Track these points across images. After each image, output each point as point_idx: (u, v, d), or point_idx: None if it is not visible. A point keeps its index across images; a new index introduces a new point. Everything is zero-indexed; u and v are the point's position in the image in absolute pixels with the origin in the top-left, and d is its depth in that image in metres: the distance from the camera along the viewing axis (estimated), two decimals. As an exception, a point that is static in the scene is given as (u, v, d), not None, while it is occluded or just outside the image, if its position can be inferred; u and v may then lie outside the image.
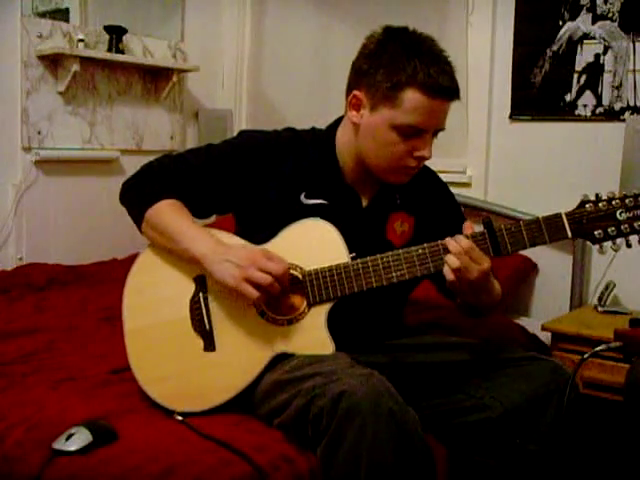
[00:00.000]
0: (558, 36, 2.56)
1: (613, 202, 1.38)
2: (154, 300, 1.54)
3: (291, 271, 1.46)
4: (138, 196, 1.56)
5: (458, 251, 1.37)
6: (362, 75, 1.48)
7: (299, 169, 1.55)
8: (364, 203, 1.58)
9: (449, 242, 1.39)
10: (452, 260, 1.37)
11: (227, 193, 1.56)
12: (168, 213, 1.50)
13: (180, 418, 1.43)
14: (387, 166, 1.49)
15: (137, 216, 1.55)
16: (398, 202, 1.59)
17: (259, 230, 1.51)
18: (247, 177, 1.54)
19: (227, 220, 1.65)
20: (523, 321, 2.49)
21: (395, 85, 1.42)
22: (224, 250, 1.42)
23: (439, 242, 1.41)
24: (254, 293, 1.38)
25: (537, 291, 2.68)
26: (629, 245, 1.39)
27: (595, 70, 2.50)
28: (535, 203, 2.52)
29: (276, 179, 1.54)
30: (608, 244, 1.39)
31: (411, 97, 1.42)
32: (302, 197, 1.54)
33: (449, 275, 1.38)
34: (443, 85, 1.42)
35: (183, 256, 1.48)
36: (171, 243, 1.49)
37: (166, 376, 1.49)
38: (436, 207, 1.65)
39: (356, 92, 1.49)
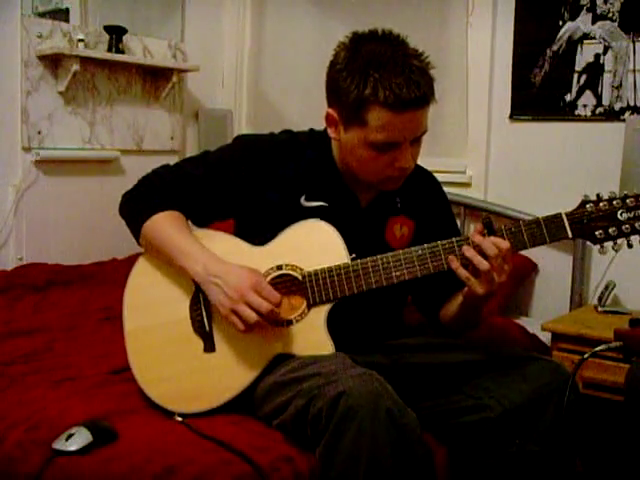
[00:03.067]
0: (558, 36, 2.56)
1: (614, 202, 1.37)
2: (154, 301, 1.54)
3: (291, 272, 1.46)
4: (135, 210, 1.56)
5: (495, 254, 1.35)
6: (331, 93, 1.46)
7: (298, 171, 1.54)
8: (363, 205, 1.58)
9: (483, 242, 1.36)
10: (484, 264, 1.35)
11: (227, 200, 1.56)
12: (164, 228, 1.50)
13: (180, 419, 1.43)
14: (372, 178, 1.49)
15: (134, 230, 1.55)
16: (399, 206, 1.59)
17: (259, 233, 1.51)
18: (246, 182, 1.54)
19: (226, 222, 1.65)
20: (523, 321, 2.48)
21: (359, 104, 1.38)
22: (217, 272, 1.41)
23: (439, 243, 1.41)
24: (240, 326, 1.39)
25: (537, 291, 2.68)
26: (630, 245, 1.39)
27: (595, 70, 2.50)
28: (535, 203, 2.52)
29: (275, 182, 1.54)
30: (609, 244, 1.39)
31: (376, 116, 1.37)
32: (302, 199, 1.54)
33: (464, 275, 1.37)
34: (407, 98, 1.35)
35: (180, 272, 1.49)
36: (167, 259, 1.50)
37: (166, 377, 1.49)
38: (435, 211, 1.66)
39: (329, 110, 1.47)
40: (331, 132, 1.49)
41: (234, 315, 1.39)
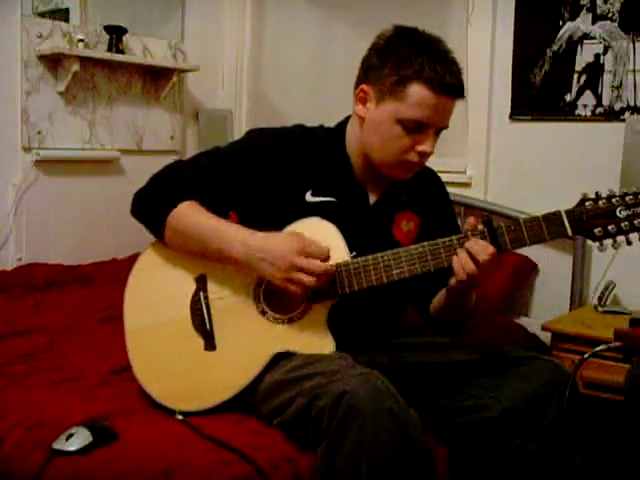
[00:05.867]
0: (558, 36, 2.56)
1: (613, 200, 1.37)
2: (155, 300, 1.54)
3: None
4: (154, 204, 1.52)
5: (484, 260, 1.37)
6: (370, 69, 1.50)
7: (310, 165, 1.55)
8: (372, 201, 1.58)
9: (472, 246, 1.38)
10: (470, 266, 1.37)
11: (240, 193, 1.55)
12: (191, 216, 1.48)
13: (180, 417, 1.43)
14: (390, 160, 1.50)
15: (156, 225, 1.51)
16: (405, 201, 1.60)
17: (263, 227, 1.50)
18: (258, 176, 1.53)
19: (231, 217, 1.64)
20: (523, 321, 2.49)
21: (402, 79, 1.44)
22: (259, 246, 1.40)
23: (439, 240, 1.42)
24: (298, 291, 1.39)
25: (537, 291, 2.68)
26: (629, 243, 1.39)
27: (595, 70, 2.50)
28: (535, 203, 2.51)
29: (284, 176, 1.53)
30: (608, 242, 1.39)
31: (416, 91, 1.43)
32: (308, 195, 1.53)
33: (461, 275, 1.38)
34: (448, 82, 1.43)
35: (216, 256, 1.46)
36: (200, 246, 1.47)
37: (167, 375, 1.49)
38: (438, 208, 1.67)
39: (363, 86, 1.50)
40: (359, 109, 1.52)
41: (288, 283, 1.38)
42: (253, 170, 1.54)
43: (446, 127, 1.50)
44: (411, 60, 1.44)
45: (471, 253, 1.37)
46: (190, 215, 1.48)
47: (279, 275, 1.38)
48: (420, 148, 1.47)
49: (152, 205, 1.53)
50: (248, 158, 1.54)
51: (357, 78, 1.54)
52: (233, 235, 1.43)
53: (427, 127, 1.46)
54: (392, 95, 1.45)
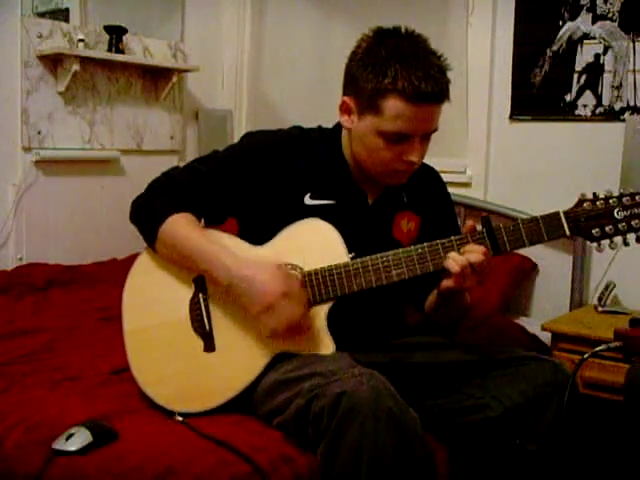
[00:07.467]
0: (558, 36, 2.56)
1: (610, 201, 1.39)
2: (154, 301, 1.54)
3: (291, 271, 1.46)
4: (149, 214, 1.52)
5: (480, 261, 1.37)
6: (350, 81, 1.48)
7: (307, 167, 1.54)
8: (370, 201, 1.58)
9: (471, 255, 1.37)
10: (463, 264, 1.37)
11: (238, 197, 1.55)
12: (182, 232, 1.47)
13: (180, 418, 1.43)
14: (379, 170, 1.50)
15: (149, 235, 1.52)
16: (405, 201, 1.60)
17: (262, 232, 1.51)
18: (255, 179, 1.53)
19: (230, 221, 1.64)
20: (523, 321, 2.48)
21: (377, 92, 1.41)
22: (244, 277, 1.39)
23: (438, 241, 1.42)
24: (264, 332, 1.41)
25: (537, 291, 2.68)
26: (627, 243, 1.40)
27: (595, 70, 2.50)
28: (535, 203, 2.52)
29: (282, 179, 1.53)
30: (606, 242, 1.40)
31: (392, 105, 1.40)
32: (307, 198, 1.53)
33: (455, 269, 1.38)
34: (425, 91, 1.38)
35: (202, 274, 1.47)
36: (188, 262, 1.47)
37: (166, 377, 1.49)
38: (438, 208, 1.67)
39: (345, 98, 1.49)
40: (344, 121, 1.51)
41: (260, 321, 1.40)
42: (250, 172, 1.54)
43: (434, 131, 1.47)
44: (385, 71, 1.39)
45: (468, 260, 1.37)
46: (181, 233, 1.47)
47: (254, 311, 1.39)
48: (406, 158, 1.45)
49: (145, 216, 1.54)
50: (245, 160, 1.54)
51: (342, 87, 1.51)
52: (221, 260, 1.42)
53: (410, 137, 1.43)
54: (370, 109, 1.43)
